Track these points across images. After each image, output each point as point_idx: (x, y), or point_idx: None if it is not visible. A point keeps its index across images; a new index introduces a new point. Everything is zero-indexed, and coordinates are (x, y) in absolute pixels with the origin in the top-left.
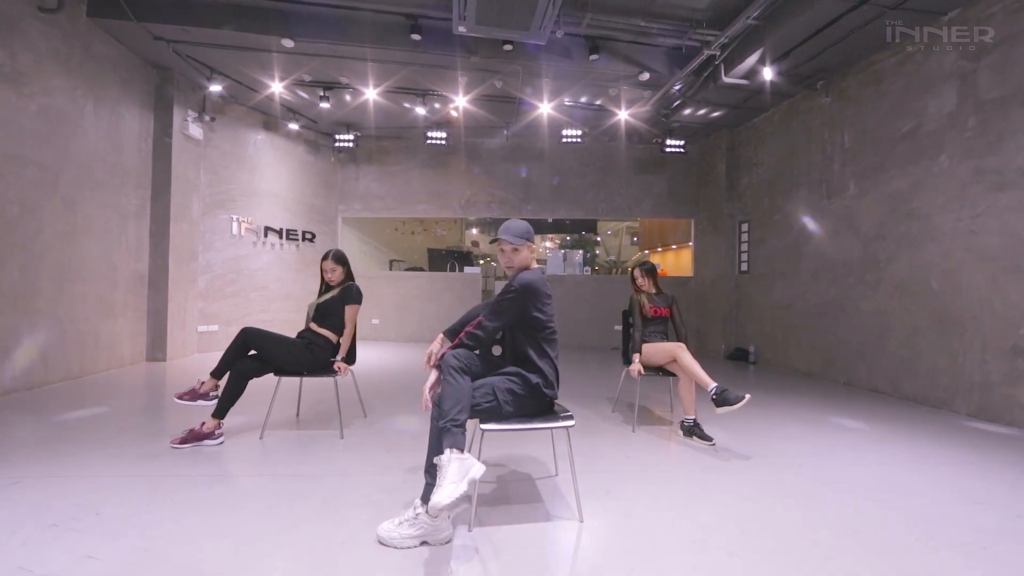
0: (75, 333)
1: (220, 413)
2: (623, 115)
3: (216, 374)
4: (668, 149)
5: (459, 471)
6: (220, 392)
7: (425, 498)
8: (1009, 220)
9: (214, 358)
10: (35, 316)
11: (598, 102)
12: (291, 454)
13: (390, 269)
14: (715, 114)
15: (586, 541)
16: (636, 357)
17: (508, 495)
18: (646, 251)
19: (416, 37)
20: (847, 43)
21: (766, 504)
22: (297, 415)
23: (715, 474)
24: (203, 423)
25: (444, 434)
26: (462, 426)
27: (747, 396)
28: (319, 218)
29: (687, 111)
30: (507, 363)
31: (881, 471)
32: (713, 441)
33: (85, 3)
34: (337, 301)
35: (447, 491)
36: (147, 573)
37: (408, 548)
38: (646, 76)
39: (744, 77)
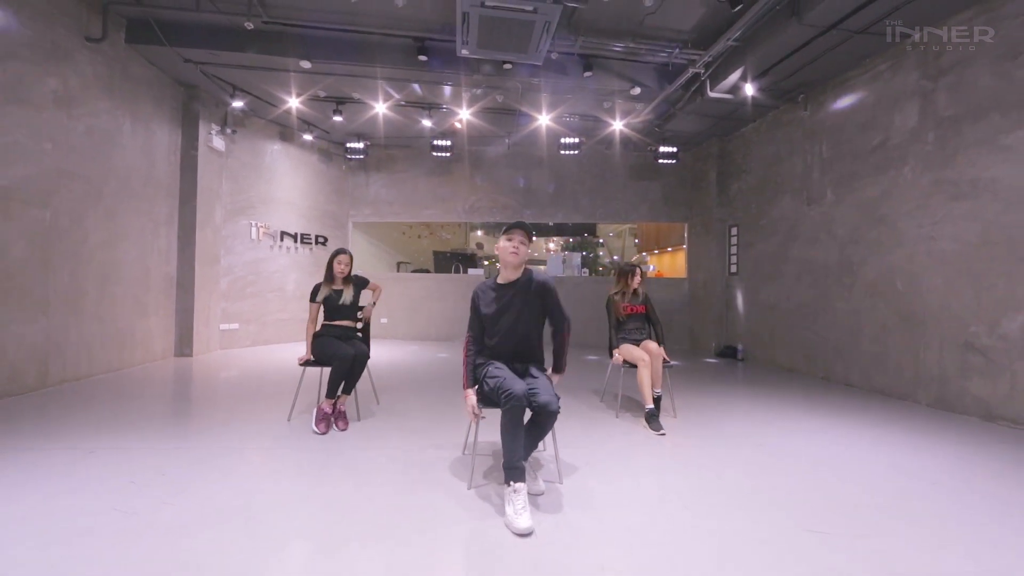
0: (114, 331)
1: (331, 394)
2: (618, 125)
3: (330, 395)
4: (661, 159)
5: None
6: (343, 405)
7: (507, 479)
8: (963, 227)
9: (236, 354)
10: (82, 316)
11: (594, 113)
12: (313, 434)
13: (397, 271)
14: (705, 124)
15: (563, 497)
16: (616, 353)
17: (500, 462)
18: (644, 253)
19: (423, 58)
20: (822, 62)
21: (723, 472)
22: (318, 401)
23: (683, 450)
24: (324, 407)
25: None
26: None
27: (664, 434)
28: (331, 223)
29: (678, 121)
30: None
31: (832, 449)
32: (663, 432)
33: (124, 31)
34: (356, 299)
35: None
36: (211, 514)
37: (523, 510)
38: (637, 91)
39: (728, 92)
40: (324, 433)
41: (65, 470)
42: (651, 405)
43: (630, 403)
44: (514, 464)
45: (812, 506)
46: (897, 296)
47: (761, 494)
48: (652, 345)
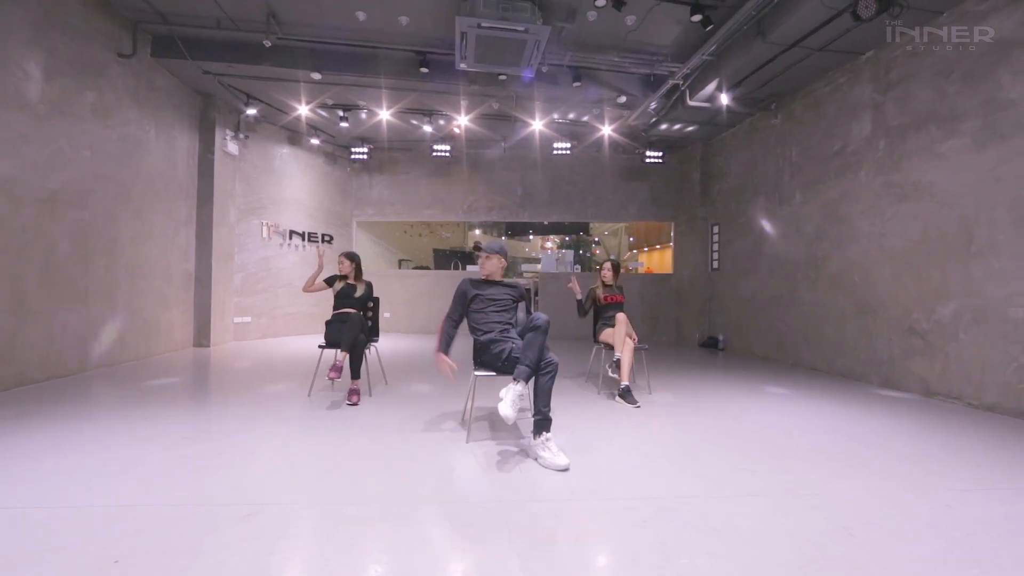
0: (142, 322)
1: (354, 375)
2: (607, 130)
3: (354, 376)
4: (648, 160)
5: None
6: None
7: (540, 431)
8: (907, 226)
9: (249, 345)
10: (115, 307)
11: (584, 119)
12: (333, 406)
13: (399, 268)
14: (688, 129)
15: None
16: (574, 284)
17: (495, 424)
18: (634, 251)
19: (424, 70)
20: (789, 74)
21: (682, 432)
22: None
23: (655, 418)
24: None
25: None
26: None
27: (639, 406)
28: (336, 222)
29: (663, 126)
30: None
31: (781, 418)
32: (638, 404)
33: (150, 46)
34: (364, 294)
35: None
36: (259, 460)
37: (559, 451)
38: (623, 99)
39: (706, 100)
40: (356, 404)
41: (127, 432)
42: (626, 382)
43: (609, 382)
44: (548, 416)
45: (750, 454)
46: (854, 287)
47: (710, 446)
48: (620, 315)
